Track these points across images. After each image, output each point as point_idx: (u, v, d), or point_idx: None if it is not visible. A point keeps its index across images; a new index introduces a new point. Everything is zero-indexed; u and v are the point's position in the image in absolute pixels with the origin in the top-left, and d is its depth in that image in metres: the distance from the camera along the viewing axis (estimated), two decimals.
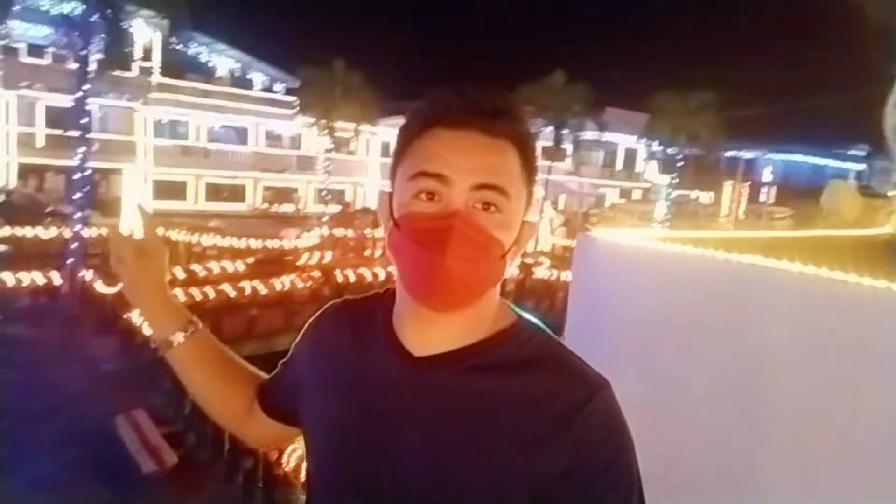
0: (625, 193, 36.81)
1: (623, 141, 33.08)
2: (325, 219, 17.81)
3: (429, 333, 0.88)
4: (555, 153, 21.56)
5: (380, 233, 16.90)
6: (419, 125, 0.84)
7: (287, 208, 28.29)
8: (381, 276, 10.82)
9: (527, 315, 0.94)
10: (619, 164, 37.27)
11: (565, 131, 20.62)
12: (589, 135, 21.85)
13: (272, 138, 30.42)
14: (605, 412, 0.84)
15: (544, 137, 21.97)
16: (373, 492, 0.87)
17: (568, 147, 25.72)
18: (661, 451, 2.10)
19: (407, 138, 0.86)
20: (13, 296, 9.98)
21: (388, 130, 30.29)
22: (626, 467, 0.84)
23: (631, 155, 36.15)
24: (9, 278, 9.71)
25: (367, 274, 10.73)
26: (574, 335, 2.76)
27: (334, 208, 23.18)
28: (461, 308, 0.85)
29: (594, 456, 0.82)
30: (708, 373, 2.25)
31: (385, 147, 32.23)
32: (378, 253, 14.37)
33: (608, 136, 27.40)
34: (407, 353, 0.89)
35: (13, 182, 22.46)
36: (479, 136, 0.81)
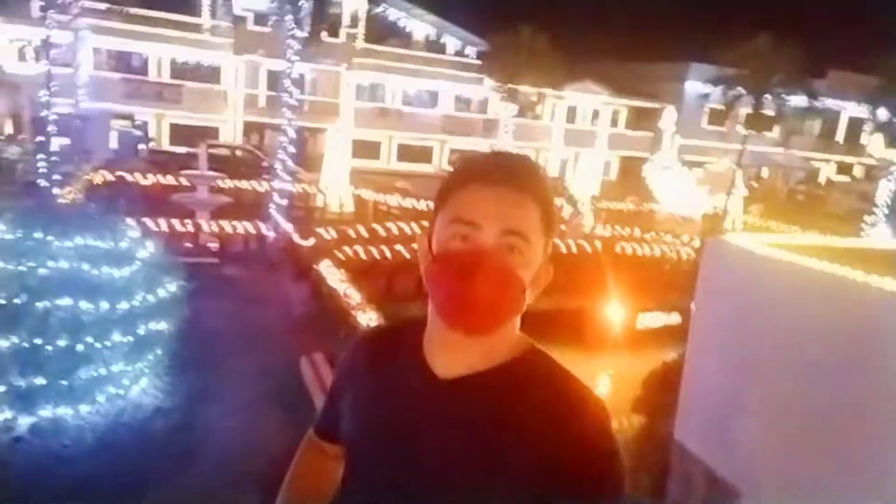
0: (844, 169, 32.48)
1: (847, 109, 29.02)
2: None
3: (454, 357, 1.03)
4: (755, 121, 19.59)
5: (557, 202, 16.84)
6: (459, 181, 1.01)
7: None
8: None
9: (538, 346, 1.08)
10: (839, 136, 32.87)
11: (768, 97, 18.58)
12: (799, 101, 19.47)
13: (461, 102, 31.22)
14: (602, 431, 0.98)
15: (746, 103, 20.08)
16: (398, 495, 1.03)
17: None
18: (777, 462, 2.07)
19: (448, 190, 1.02)
20: (231, 241, 11.68)
21: (574, 95, 29.63)
22: (617, 479, 0.97)
23: (855, 125, 31.63)
24: (227, 226, 11.37)
25: None
26: (695, 340, 2.71)
27: None
28: (485, 333, 0.99)
29: (590, 468, 0.95)
30: (836, 403, 2.11)
31: (571, 112, 31.56)
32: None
33: (829, 103, 24.13)
34: (433, 374, 1.05)
35: (239, 138, 25.69)
36: (507, 191, 0.97)
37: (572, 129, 31.15)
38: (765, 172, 32.54)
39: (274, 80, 24.97)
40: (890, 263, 2.40)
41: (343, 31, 26.88)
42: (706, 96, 20.79)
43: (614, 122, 32.30)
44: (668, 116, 20.31)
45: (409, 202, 15.17)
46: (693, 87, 28.35)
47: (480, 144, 30.37)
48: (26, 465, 4.84)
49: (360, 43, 27.83)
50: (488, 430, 0.99)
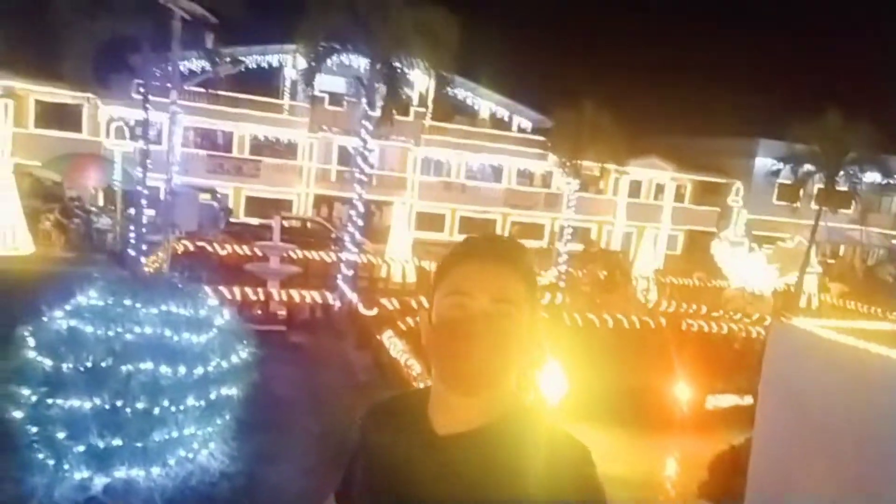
0: None
1: None
2: (564, 257, 18.07)
3: (453, 416, 1.14)
4: (828, 198, 19.04)
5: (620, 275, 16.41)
6: (455, 261, 1.16)
7: (532, 244, 29.23)
8: (608, 322, 10.69)
9: (531, 403, 1.20)
10: None
11: (840, 174, 18.11)
12: (874, 177, 18.87)
13: (524, 176, 31.79)
14: (589, 481, 1.08)
15: (818, 180, 19.61)
16: None
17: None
18: None
19: (445, 269, 1.17)
20: (298, 309, 12.10)
21: (639, 170, 29.68)
22: None
23: None
24: (296, 295, 11.81)
25: (594, 319, 10.71)
26: (763, 426, 2.66)
27: (575, 246, 23.36)
28: (481, 391, 1.11)
29: None
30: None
31: (635, 186, 31.55)
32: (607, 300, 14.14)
33: None
34: (432, 432, 1.16)
35: (310, 210, 26.85)
36: (495, 266, 1.12)
37: (636, 203, 31.06)
38: (842, 250, 31.24)
39: (345, 155, 26.26)
40: None
41: (412, 110, 28.17)
42: (776, 172, 20.43)
43: (680, 197, 32.03)
44: (736, 192, 20.02)
45: None
46: (763, 162, 27.94)
47: (542, 217, 30.62)
48: None
49: (429, 121, 29.04)
50: (480, 483, 1.07)
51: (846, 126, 16.66)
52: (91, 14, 10.62)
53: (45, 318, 5.63)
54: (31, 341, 5.42)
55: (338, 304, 12.30)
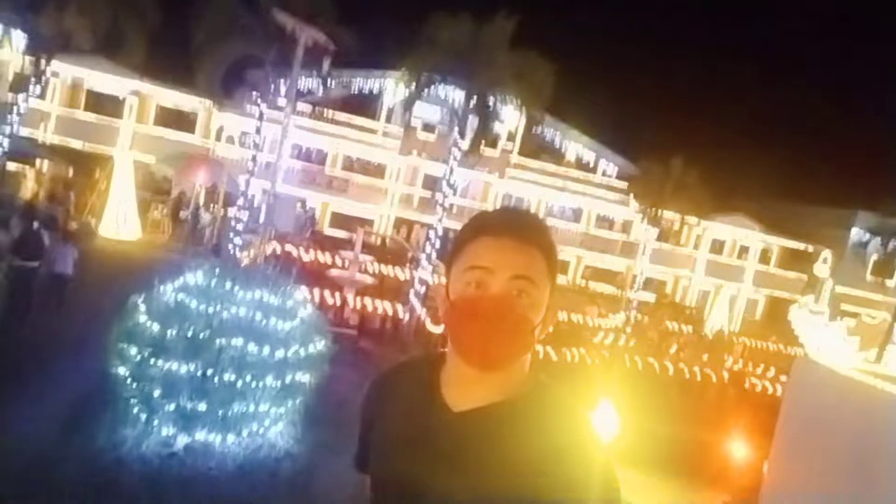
0: None
1: None
2: (635, 304, 18.00)
3: (469, 391, 1.13)
4: None
5: (685, 329, 16.20)
6: (471, 234, 1.14)
7: (603, 288, 29.02)
8: (669, 369, 10.67)
9: (549, 380, 1.19)
10: None
11: None
12: None
13: (603, 220, 31.69)
14: (601, 459, 1.08)
15: None
16: None
17: None
18: None
19: (461, 243, 1.15)
20: (370, 318, 12.73)
21: (723, 227, 29.05)
22: (610, 491, 1.08)
23: None
24: (369, 304, 12.46)
25: (655, 364, 10.73)
26: (779, 456, 2.89)
27: (647, 295, 23.09)
28: (499, 369, 1.10)
29: (590, 495, 1.05)
30: None
31: (718, 243, 30.83)
32: (673, 349, 14.03)
33: None
34: (447, 407, 1.14)
35: (389, 230, 27.82)
36: (514, 242, 1.10)
37: (717, 261, 30.32)
38: None
39: (429, 182, 27.14)
40: None
41: (500, 145, 28.85)
42: (865, 244, 19.66)
43: (765, 260, 31.02)
44: (824, 260, 19.36)
45: None
46: (858, 234, 26.79)
47: (617, 264, 30.36)
48: (176, 479, 5.64)
49: (515, 157, 29.60)
50: (495, 459, 1.07)
51: None
52: (227, 34, 11.94)
53: (156, 291, 6.42)
54: (143, 307, 6.20)
55: (407, 317, 12.85)
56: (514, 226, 1.13)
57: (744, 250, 30.77)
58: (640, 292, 18.89)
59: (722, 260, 30.67)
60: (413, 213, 28.02)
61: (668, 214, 23.05)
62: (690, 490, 8.49)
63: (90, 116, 24.55)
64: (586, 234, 30.62)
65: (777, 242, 30.82)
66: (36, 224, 10.03)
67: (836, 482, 2.52)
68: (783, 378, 11.98)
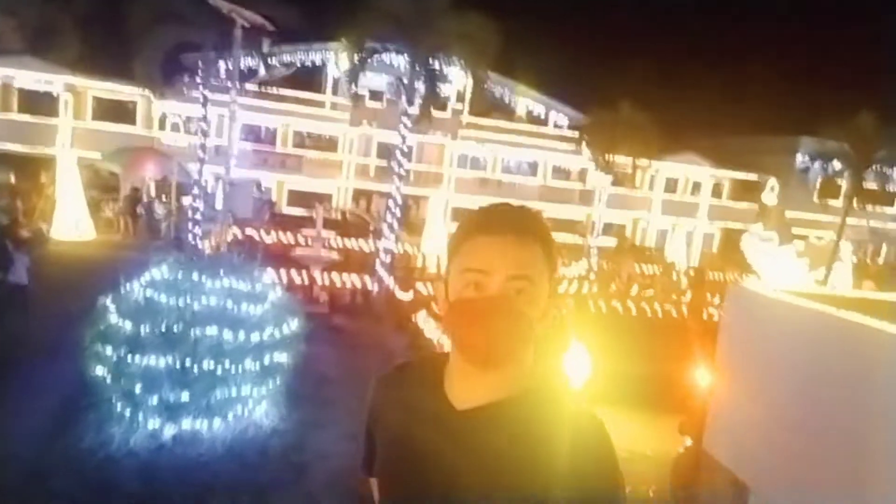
0: None
1: None
2: (594, 251, 18.47)
3: (472, 388, 1.14)
4: (865, 196, 19.00)
5: (648, 270, 16.73)
6: (466, 234, 1.14)
7: (565, 238, 29.58)
8: (632, 311, 11.09)
9: (551, 376, 1.20)
10: None
11: (871, 172, 18.09)
12: None
13: (559, 172, 32.10)
14: (604, 453, 1.10)
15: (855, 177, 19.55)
16: None
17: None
18: (781, 468, 2.57)
19: (457, 243, 1.15)
20: (339, 294, 12.87)
21: (675, 166, 29.75)
22: (617, 498, 1.10)
23: None
24: (337, 280, 12.58)
25: (619, 307, 11.16)
26: (721, 370, 3.20)
27: (607, 241, 23.68)
28: (500, 366, 1.11)
29: (594, 488, 1.07)
30: (833, 424, 2.54)
31: (671, 182, 31.59)
32: (634, 289, 14.54)
33: None
34: (451, 406, 1.16)
35: (349, 203, 27.73)
36: (509, 239, 1.10)
37: (672, 200, 31.13)
38: (884, 249, 30.73)
39: (383, 150, 27.04)
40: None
41: (450, 107, 28.78)
42: (805, 170, 20.45)
43: (717, 194, 31.96)
44: (771, 188, 20.04)
45: None
46: (802, 160, 27.75)
47: (577, 213, 30.93)
48: (168, 468, 5.80)
49: (466, 117, 29.61)
50: (500, 456, 1.09)
51: (876, 126, 16.63)
52: (161, 20, 11.62)
53: (124, 290, 6.46)
54: (113, 308, 6.25)
55: (376, 288, 13.03)
56: (509, 223, 1.12)
57: (696, 187, 31.61)
58: (600, 238, 19.30)
59: (676, 198, 31.49)
60: (371, 184, 27.95)
61: (621, 160, 23.47)
62: (654, 417, 8.96)
63: (25, 117, 23.64)
64: (544, 186, 31.01)
65: (727, 175, 31.72)
66: None
67: (769, 397, 2.83)
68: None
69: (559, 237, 29.50)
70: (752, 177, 30.86)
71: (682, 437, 5.46)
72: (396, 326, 11.37)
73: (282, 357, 6.62)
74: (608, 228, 27.31)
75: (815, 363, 2.63)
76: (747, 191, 31.34)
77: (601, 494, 1.07)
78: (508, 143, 30.18)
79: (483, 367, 1.11)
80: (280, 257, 13.56)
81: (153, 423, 6.16)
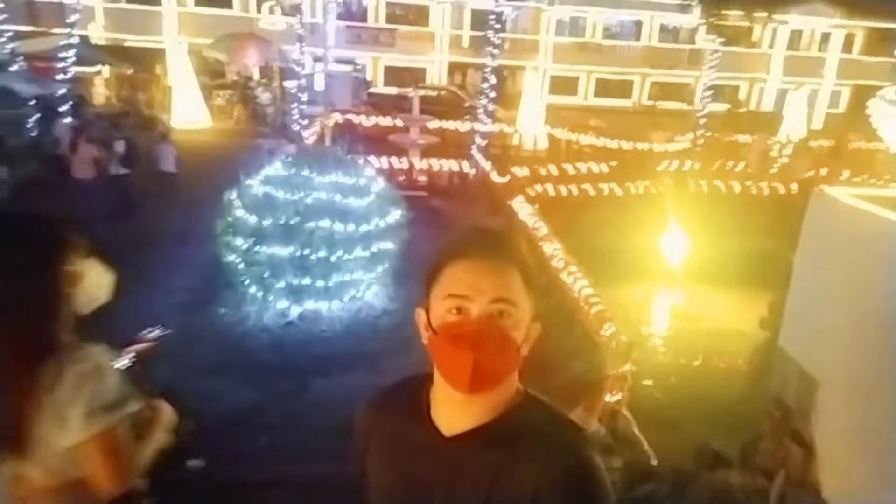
0: None
1: None
2: (703, 120, 17.42)
3: (458, 413, 1.15)
4: None
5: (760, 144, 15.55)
6: (446, 259, 1.13)
7: (672, 105, 27.97)
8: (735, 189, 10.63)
9: (533, 393, 1.22)
10: None
11: None
12: None
13: (667, 32, 29.77)
14: (589, 464, 1.11)
15: None
16: None
17: None
18: (852, 363, 2.74)
19: (437, 268, 1.14)
20: (437, 177, 13.24)
21: (798, 18, 26.72)
22: (601, 496, 1.11)
23: None
24: (434, 164, 12.92)
25: (721, 186, 10.77)
26: (796, 302, 3.26)
27: (717, 107, 22.15)
28: (486, 391, 1.12)
29: (581, 492, 1.09)
30: None
31: (794, 37, 28.54)
32: (740, 165, 13.73)
33: None
34: (438, 433, 1.17)
35: (444, 79, 27.37)
36: (489, 264, 1.11)
37: (794, 57, 28.29)
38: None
39: (477, 20, 26.05)
40: None
41: None
42: None
43: (847, 48, 28.66)
44: None
45: (601, 141, 15.58)
46: None
47: (687, 77, 28.91)
48: (295, 342, 6.66)
49: None
50: (489, 478, 1.11)
51: None
52: None
53: (244, 185, 7.13)
54: (238, 203, 6.97)
55: (472, 172, 13.29)
56: (488, 247, 1.13)
57: (824, 39, 28.42)
58: (707, 105, 17.98)
59: (800, 54, 28.56)
60: (466, 56, 27.31)
61: (735, 13, 21.33)
62: (750, 294, 8.94)
63: (133, 6, 24.62)
64: (649, 48, 29.02)
65: (859, 25, 28.18)
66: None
67: (846, 304, 2.89)
68: (856, 179, 11.83)
69: (664, 105, 27.94)
70: (893, 25, 27.25)
71: (763, 331, 5.58)
72: (491, 209, 11.69)
73: (387, 245, 7.18)
74: (719, 93, 25.47)
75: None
76: (885, 41, 27.81)
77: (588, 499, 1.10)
78: (609, 3, 28.02)
79: (470, 393, 1.11)
80: (379, 141, 13.99)
81: (281, 304, 7.01)
